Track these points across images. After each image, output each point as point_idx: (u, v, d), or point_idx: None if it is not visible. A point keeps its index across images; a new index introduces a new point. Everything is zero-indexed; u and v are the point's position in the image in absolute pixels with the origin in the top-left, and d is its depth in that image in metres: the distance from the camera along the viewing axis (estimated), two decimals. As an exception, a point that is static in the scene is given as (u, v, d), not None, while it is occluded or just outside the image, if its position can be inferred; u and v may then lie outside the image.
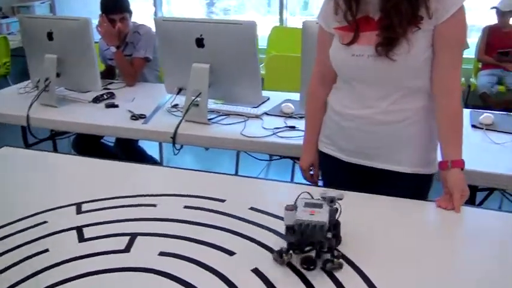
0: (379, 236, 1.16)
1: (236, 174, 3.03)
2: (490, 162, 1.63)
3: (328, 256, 1.02)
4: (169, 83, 2.19)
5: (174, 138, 1.97)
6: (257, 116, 2.15)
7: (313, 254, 1.03)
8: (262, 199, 1.35)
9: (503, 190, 1.69)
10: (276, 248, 1.07)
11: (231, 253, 1.09)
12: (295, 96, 2.37)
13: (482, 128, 1.88)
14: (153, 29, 2.35)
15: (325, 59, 1.46)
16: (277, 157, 2.25)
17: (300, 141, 1.84)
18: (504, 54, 4.37)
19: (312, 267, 1.02)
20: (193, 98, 2.03)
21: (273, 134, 1.95)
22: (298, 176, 2.93)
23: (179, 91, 2.16)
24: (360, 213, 1.25)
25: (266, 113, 2.19)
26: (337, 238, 1.09)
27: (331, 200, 1.06)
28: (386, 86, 1.36)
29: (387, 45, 1.28)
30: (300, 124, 2.03)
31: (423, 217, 1.29)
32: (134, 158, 2.51)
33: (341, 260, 1.03)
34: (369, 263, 1.04)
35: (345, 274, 1.01)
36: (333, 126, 1.51)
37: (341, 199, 1.07)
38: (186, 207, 1.31)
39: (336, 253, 1.03)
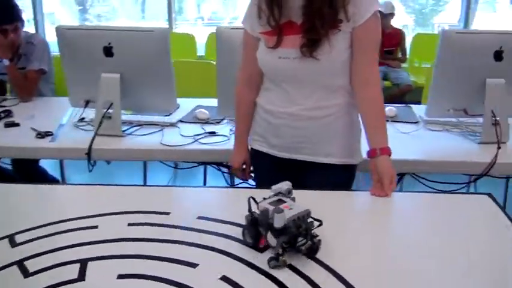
0: (329, 229, 1.21)
1: (145, 184, 2.94)
2: (401, 150, 1.78)
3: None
4: (74, 96, 2.05)
5: (89, 154, 1.85)
6: (172, 124, 2.11)
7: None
8: (207, 207, 1.33)
9: (414, 173, 1.87)
10: (242, 255, 1.08)
11: (193, 265, 1.06)
12: (207, 101, 2.39)
13: (388, 120, 2.06)
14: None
15: (251, 61, 1.51)
16: (187, 164, 2.24)
17: (223, 146, 1.87)
18: (388, 53, 4.84)
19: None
20: (105, 110, 1.92)
21: (195, 141, 1.93)
22: (212, 181, 2.96)
23: (87, 104, 2.04)
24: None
25: (181, 121, 2.16)
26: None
27: (289, 192, 1.12)
28: (312, 85, 1.45)
29: (311, 46, 1.37)
30: (219, 129, 2.04)
31: (360, 206, 1.39)
32: (35, 180, 2.31)
33: (319, 237, 1.07)
34: (333, 256, 1.08)
35: (312, 269, 1.04)
36: (264, 124, 1.57)
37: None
38: (130, 224, 1.24)
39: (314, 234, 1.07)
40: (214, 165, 2.21)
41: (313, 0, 1.33)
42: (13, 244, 1.13)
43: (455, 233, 1.20)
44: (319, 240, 1.07)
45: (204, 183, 2.95)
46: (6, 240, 1.14)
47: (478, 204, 1.36)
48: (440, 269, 1.04)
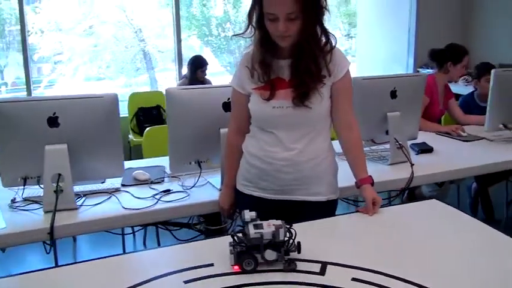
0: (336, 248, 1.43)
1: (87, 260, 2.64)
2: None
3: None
4: (8, 175, 1.85)
5: (51, 233, 1.70)
6: (118, 190, 2.05)
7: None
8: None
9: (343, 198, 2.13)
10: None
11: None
12: (133, 163, 2.38)
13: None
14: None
15: (240, 113, 1.73)
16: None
17: (181, 203, 1.92)
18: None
19: None
20: (56, 183, 1.80)
21: (158, 200, 1.93)
22: (165, 241, 2.84)
23: (25, 181, 1.86)
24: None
25: (123, 185, 2.11)
26: None
27: (256, 216, 1.34)
28: (302, 129, 1.67)
29: (302, 97, 1.61)
30: (168, 187, 2.07)
31: (349, 226, 1.63)
32: None
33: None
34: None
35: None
36: (254, 170, 1.73)
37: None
38: (186, 282, 1.25)
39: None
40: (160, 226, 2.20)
41: (302, 60, 1.59)
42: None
43: (442, 231, 1.55)
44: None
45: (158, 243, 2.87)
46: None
47: (434, 208, 1.73)
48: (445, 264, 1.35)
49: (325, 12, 1.58)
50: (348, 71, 1.69)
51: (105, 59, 6.48)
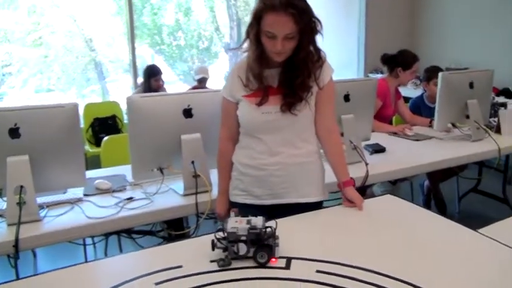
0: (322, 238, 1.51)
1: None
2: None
3: None
4: (-34, 189, 1.82)
5: (16, 246, 1.69)
6: (80, 200, 2.05)
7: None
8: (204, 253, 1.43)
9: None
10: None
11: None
12: (94, 173, 2.37)
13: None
14: None
15: (231, 122, 1.82)
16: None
17: (145, 209, 1.95)
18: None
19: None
20: (19, 195, 1.78)
21: (121, 208, 1.94)
22: (127, 249, 2.80)
23: (-15, 194, 1.84)
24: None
25: (85, 194, 2.11)
26: None
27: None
28: (288, 134, 1.76)
29: (289, 105, 1.71)
30: (130, 194, 2.08)
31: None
32: None
33: None
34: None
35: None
36: (247, 179, 1.81)
37: None
38: (157, 283, 1.29)
39: None
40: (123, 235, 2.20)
41: (298, 76, 1.69)
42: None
43: (406, 224, 1.66)
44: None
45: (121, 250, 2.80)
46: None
47: (390, 202, 1.85)
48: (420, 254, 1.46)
49: (318, 33, 1.69)
50: (331, 78, 1.79)
51: (55, 70, 6.35)
